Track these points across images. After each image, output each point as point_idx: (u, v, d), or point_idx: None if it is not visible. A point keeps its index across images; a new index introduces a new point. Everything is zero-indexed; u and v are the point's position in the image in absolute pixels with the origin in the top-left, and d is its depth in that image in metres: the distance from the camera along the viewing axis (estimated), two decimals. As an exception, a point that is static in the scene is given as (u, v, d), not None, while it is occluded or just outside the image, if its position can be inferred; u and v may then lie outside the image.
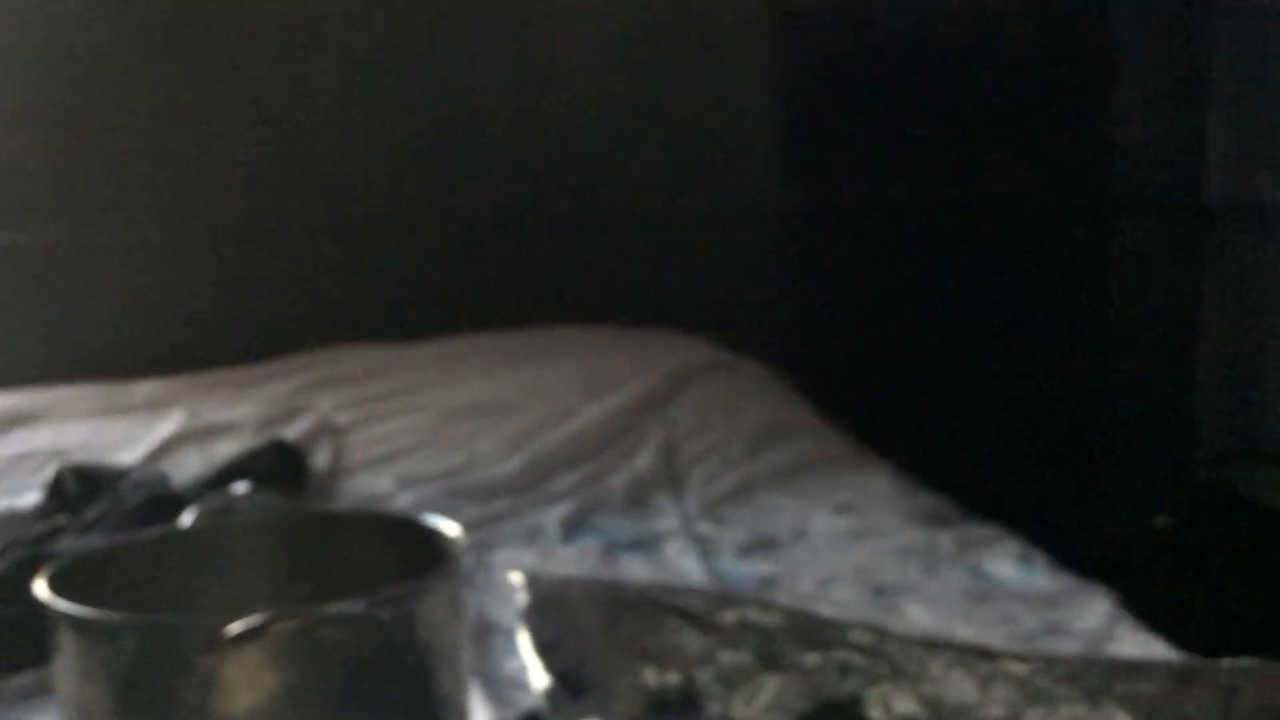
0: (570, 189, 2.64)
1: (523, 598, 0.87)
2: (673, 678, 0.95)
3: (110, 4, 2.44)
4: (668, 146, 2.66)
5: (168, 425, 2.17)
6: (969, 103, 2.72)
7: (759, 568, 1.72)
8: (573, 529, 1.90)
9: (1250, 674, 1.00)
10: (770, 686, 0.96)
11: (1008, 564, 1.66)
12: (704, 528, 1.89)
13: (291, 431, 2.11)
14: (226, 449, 2.02)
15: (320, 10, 2.54)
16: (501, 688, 1.28)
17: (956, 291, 2.73)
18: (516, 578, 0.89)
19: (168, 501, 1.61)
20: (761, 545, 1.82)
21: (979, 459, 2.53)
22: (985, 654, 1.01)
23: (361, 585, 0.99)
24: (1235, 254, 2.70)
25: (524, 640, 0.83)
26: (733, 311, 2.60)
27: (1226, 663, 1.01)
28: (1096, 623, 1.43)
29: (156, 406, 2.25)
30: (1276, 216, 2.62)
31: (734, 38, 2.67)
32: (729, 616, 0.98)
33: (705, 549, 1.80)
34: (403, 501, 1.95)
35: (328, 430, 2.15)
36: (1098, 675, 1.00)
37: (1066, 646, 1.35)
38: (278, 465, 1.88)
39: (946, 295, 2.73)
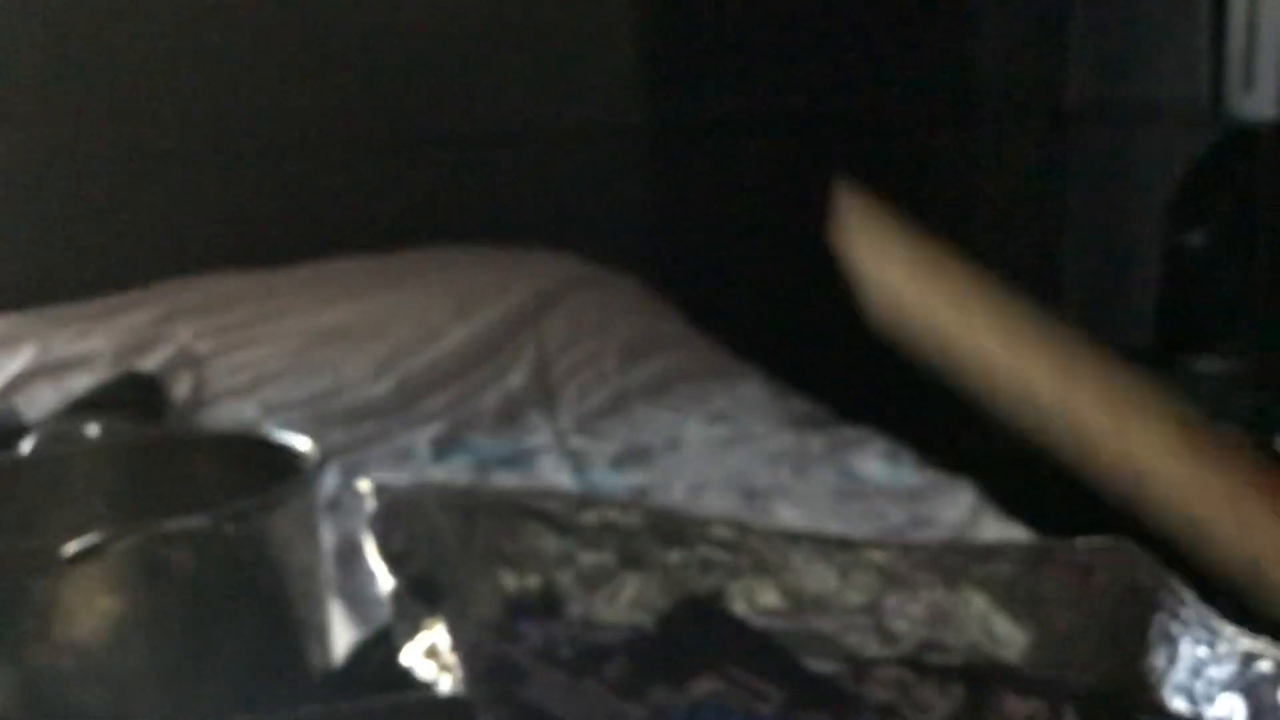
0: (432, 108, 2.58)
1: (370, 505, 0.85)
2: (532, 581, 0.93)
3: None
4: (531, 63, 2.62)
5: (18, 360, 2.09)
6: (830, 13, 2.72)
7: (632, 478, 1.72)
8: (444, 448, 1.88)
9: (1104, 553, 1.02)
10: (632, 585, 0.96)
11: (876, 462, 1.68)
12: (577, 442, 1.89)
13: (149, 362, 2.05)
14: (81, 382, 1.96)
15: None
16: (368, 608, 1.26)
17: (822, 200, 2.74)
18: (365, 485, 0.86)
19: (16, 434, 1.55)
20: (634, 456, 1.82)
21: (847, 365, 2.55)
22: (845, 544, 1.01)
23: (212, 505, 0.96)
24: (1094, 155, 2.75)
25: (370, 548, 0.81)
26: (601, 227, 2.58)
27: (1081, 542, 1.03)
28: (961, 514, 1.46)
29: (6, 341, 2.17)
30: (1133, 118, 2.66)
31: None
32: (589, 518, 0.96)
33: (578, 462, 1.79)
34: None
35: (187, 360, 2.09)
36: (956, 559, 1.01)
37: (931, 537, 1.36)
38: (134, 396, 1.82)
39: (812, 205, 2.74)
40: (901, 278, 0.53)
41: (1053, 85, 2.77)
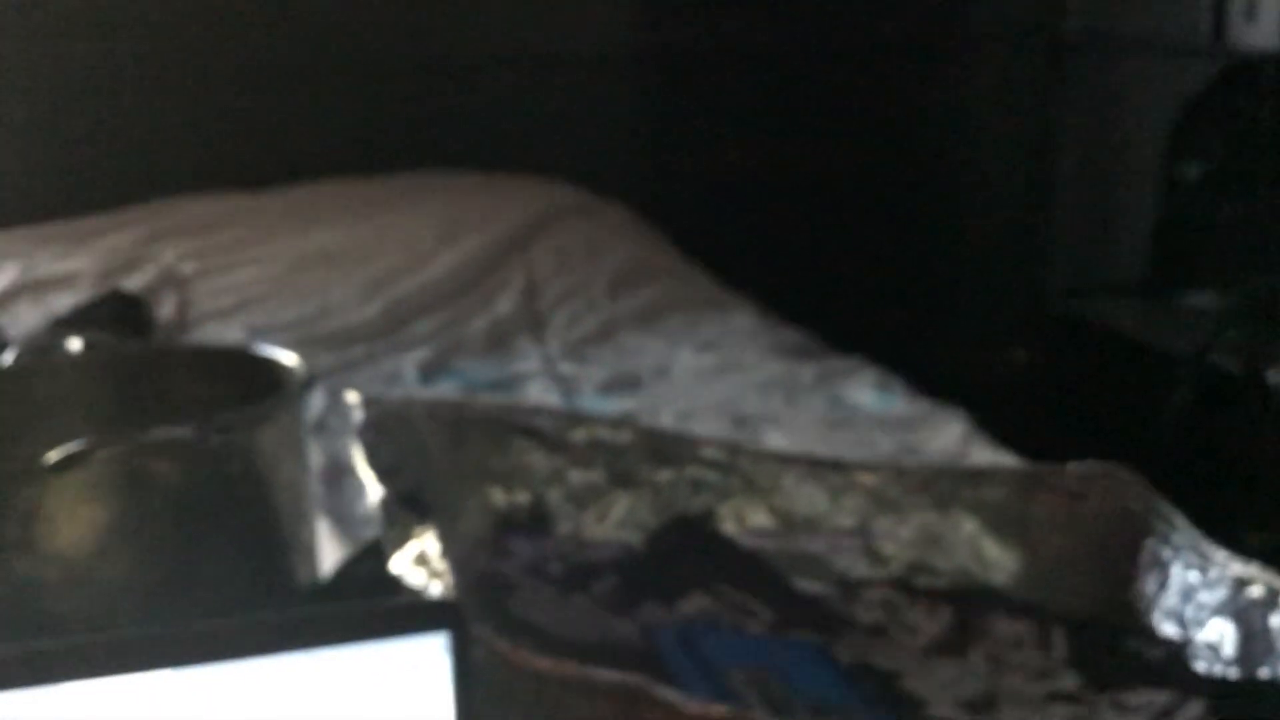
0: (424, 32, 2.54)
1: (359, 416, 0.84)
2: (521, 497, 0.93)
3: None
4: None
5: (1, 279, 2.07)
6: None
7: (620, 403, 1.71)
8: (432, 372, 1.87)
9: (1095, 478, 1.02)
10: (622, 503, 0.95)
11: (866, 391, 1.68)
12: (566, 368, 1.88)
13: (133, 283, 2.03)
14: (64, 301, 1.94)
15: None
16: (354, 527, 1.26)
17: (815, 130, 2.72)
18: (353, 397, 0.85)
19: (-2, 351, 1.53)
20: (623, 383, 1.81)
21: (840, 298, 2.54)
22: (837, 466, 1.00)
23: (198, 418, 0.94)
24: (1091, 88, 2.72)
25: (359, 456, 0.80)
26: (592, 155, 2.55)
27: (1072, 468, 1.02)
28: (951, 442, 1.45)
29: (-12, 260, 2.14)
30: (1132, 49, 2.63)
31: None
32: (579, 435, 0.96)
33: (567, 388, 1.79)
34: (254, 350, 1.89)
35: (172, 280, 2.07)
36: (946, 483, 1.01)
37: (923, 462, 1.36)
38: (118, 315, 1.80)
39: (805, 134, 2.72)
40: None
41: (1051, 14, 2.73)
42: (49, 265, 2.11)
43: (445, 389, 1.79)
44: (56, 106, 2.39)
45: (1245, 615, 0.85)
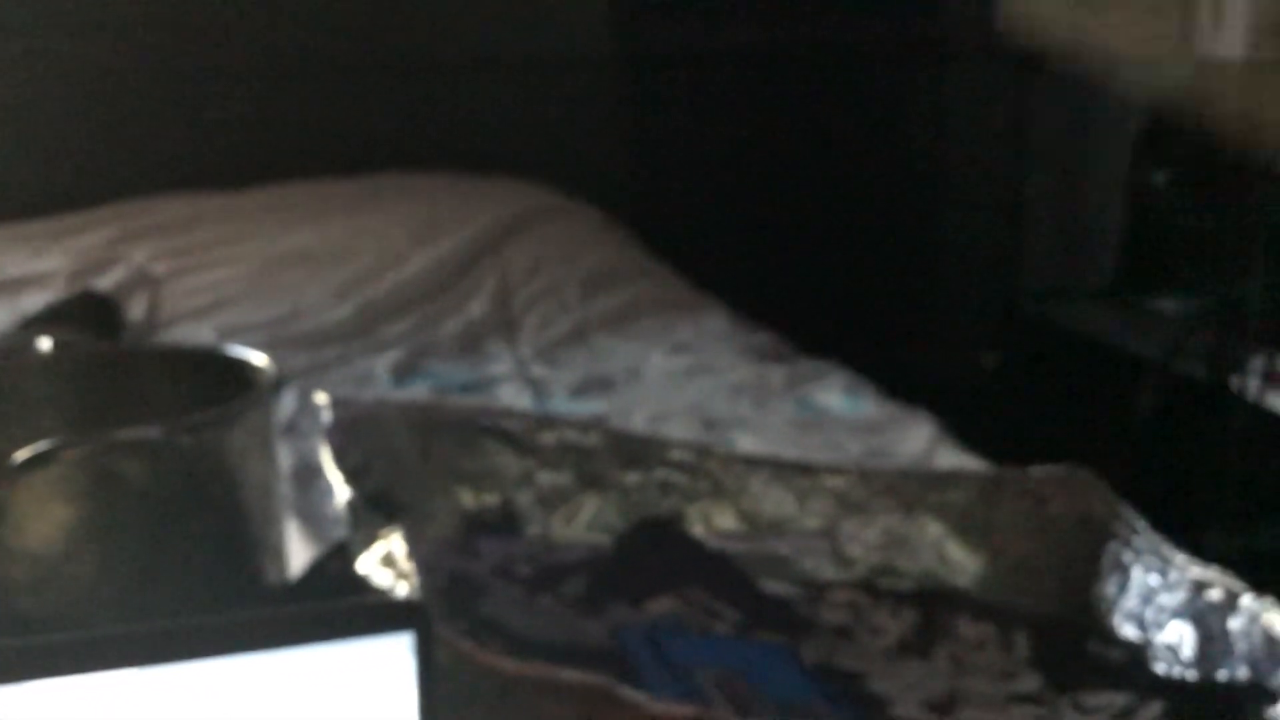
0: (402, 33, 2.54)
1: (327, 416, 0.84)
2: (490, 499, 0.93)
3: None
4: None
5: (-30, 278, 2.06)
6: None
7: (592, 406, 1.72)
8: (404, 374, 1.87)
9: (1059, 481, 1.03)
10: (590, 505, 0.96)
11: (836, 395, 1.69)
12: (538, 370, 1.88)
13: (104, 282, 2.03)
14: (35, 301, 1.93)
15: None
16: (324, 527, 1.26)
17: (790, 135, 2.73)
18: (322, 398, 0.85)
19: (-33, 351, 1.52)
20: (595, 385, 1.81)
21: (812, 302, 2.55)
22: (804, 469, 1.01)
23: (167, 419, 0.94)
24: (1062, 95, 2.74)
25: (326, 457, 0.80)
26: (566, 157, 2.56)
27: (1035, 471, 1.04)
28: (918, 446, 1.47)
29: (-43, 259, 2.13)
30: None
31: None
32: (548, 438, 0.96)
33: (539, 390, 1.79)
34: (225, 351, 1.88)
35: (143, 280, 2.07)
36: (912, 486, 1.02)
37: (889, 464, 1.37)
38: (89, 315, 1.79)
39: (780, 139, 2.73)
40: None
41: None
42: (20, 264, 2.10)
43: (417, 391, 1.79)
44: (26, 105, 2.38)
45: (1204, 618, 0.86)
